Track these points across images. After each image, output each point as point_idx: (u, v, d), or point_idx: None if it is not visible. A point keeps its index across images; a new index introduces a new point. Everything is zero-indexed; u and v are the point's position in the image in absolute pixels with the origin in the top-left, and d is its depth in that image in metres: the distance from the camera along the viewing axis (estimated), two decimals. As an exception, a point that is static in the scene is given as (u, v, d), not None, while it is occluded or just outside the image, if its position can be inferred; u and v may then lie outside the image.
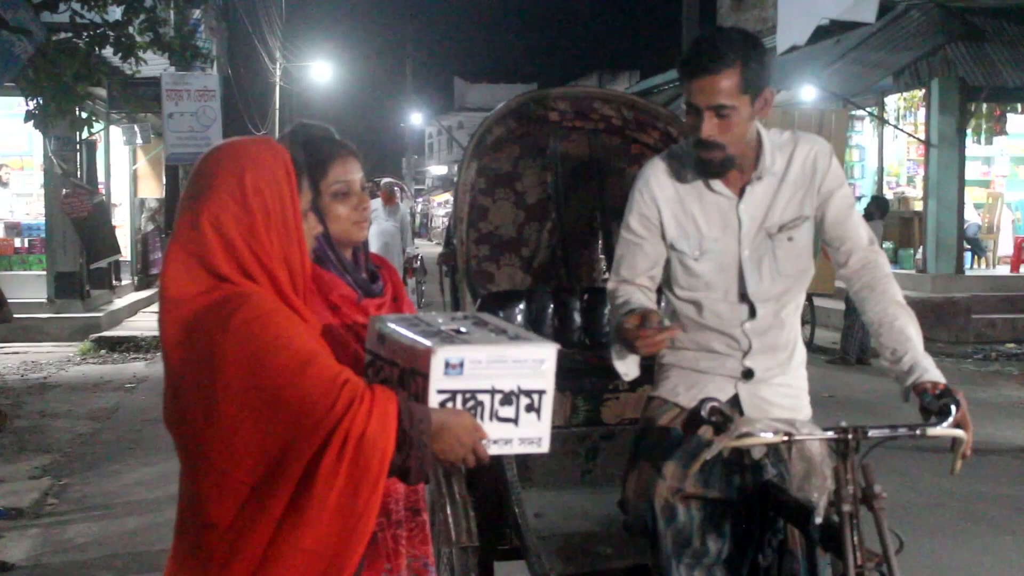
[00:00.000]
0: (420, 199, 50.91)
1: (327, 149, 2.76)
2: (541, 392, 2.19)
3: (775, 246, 2.98)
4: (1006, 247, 16.86)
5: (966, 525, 6.22)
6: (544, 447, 2.24)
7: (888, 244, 16.30)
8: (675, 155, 3.08)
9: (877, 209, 12.68)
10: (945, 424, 2.62)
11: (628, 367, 2.97)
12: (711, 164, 2.91)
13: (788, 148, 3.00)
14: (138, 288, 18.39)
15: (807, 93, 15.64)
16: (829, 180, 3.00)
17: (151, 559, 5.45)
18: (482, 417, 2.16)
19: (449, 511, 3.57)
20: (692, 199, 3.01)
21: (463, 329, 2.27)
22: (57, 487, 7.05)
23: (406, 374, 2.19)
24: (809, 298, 12.10)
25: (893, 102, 16.95)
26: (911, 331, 2.86)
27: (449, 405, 2.13)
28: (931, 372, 2.77)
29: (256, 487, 2.03)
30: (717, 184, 2.98)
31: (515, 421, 2.18)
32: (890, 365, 2.86)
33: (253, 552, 2.04)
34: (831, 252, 3.09)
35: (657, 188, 3.02)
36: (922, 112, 15.86)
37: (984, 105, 15.47)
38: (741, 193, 2.98)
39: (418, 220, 32.89)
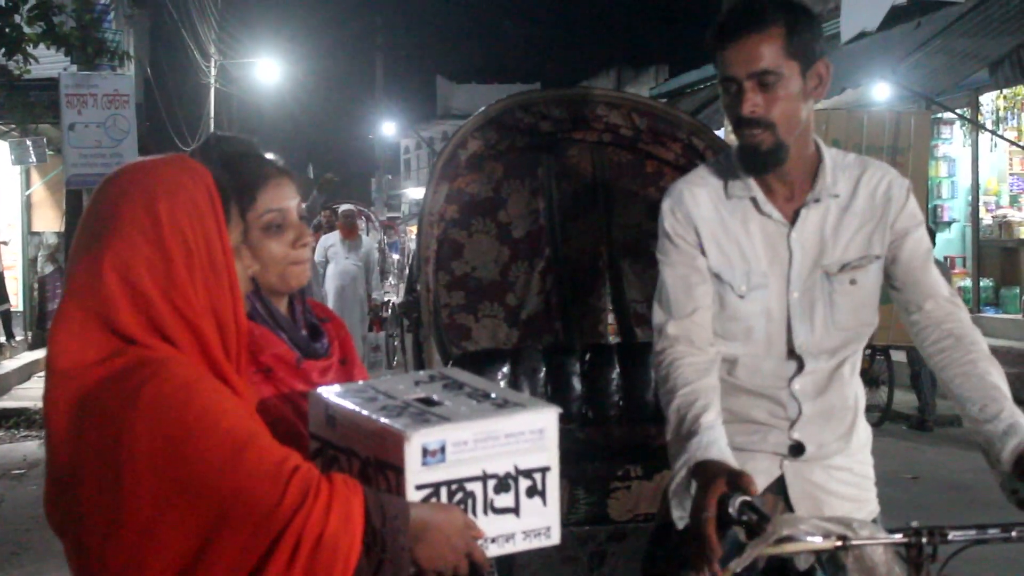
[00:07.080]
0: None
1: (253, 169, 2.70)
2: (544, 470, 2.21)
3: (833, 289, 2.97)
4: None
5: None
6: (555, 538, 2.25)
7: (987, 282, 16.26)
8: (713, 168, 3.09)
9: None
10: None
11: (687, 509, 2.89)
12: (758, 152, 2.89)
13: (854, 171, 3.02)
14: (33, 346, 18.37)
15: (880, 91, 15.65)
16: (905, 217, 3.00)
17: None
18: (475, 511, 2.14)
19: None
20: (736, 221, 3.00)
21: (435, 397, 2.25)
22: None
23: (370, 466, 2.16)
24: (886, 353, 12.02)
25: (990, 101, 16.98)
26: (1004, 387, 2.81)
27: (433, 502, 2.12)
28: None
29: None
30: (766, 205, 2.97)
31: (515, 511, 2.19)
32: (979, 424, 2.78)
33: None
34: (898, 301, 3.05)
35: (692, 205, 3.02)
36: (1027, 114, 15.91)
37: (1106, 105, 15.53)
38: (794, 219, 2.97)
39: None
